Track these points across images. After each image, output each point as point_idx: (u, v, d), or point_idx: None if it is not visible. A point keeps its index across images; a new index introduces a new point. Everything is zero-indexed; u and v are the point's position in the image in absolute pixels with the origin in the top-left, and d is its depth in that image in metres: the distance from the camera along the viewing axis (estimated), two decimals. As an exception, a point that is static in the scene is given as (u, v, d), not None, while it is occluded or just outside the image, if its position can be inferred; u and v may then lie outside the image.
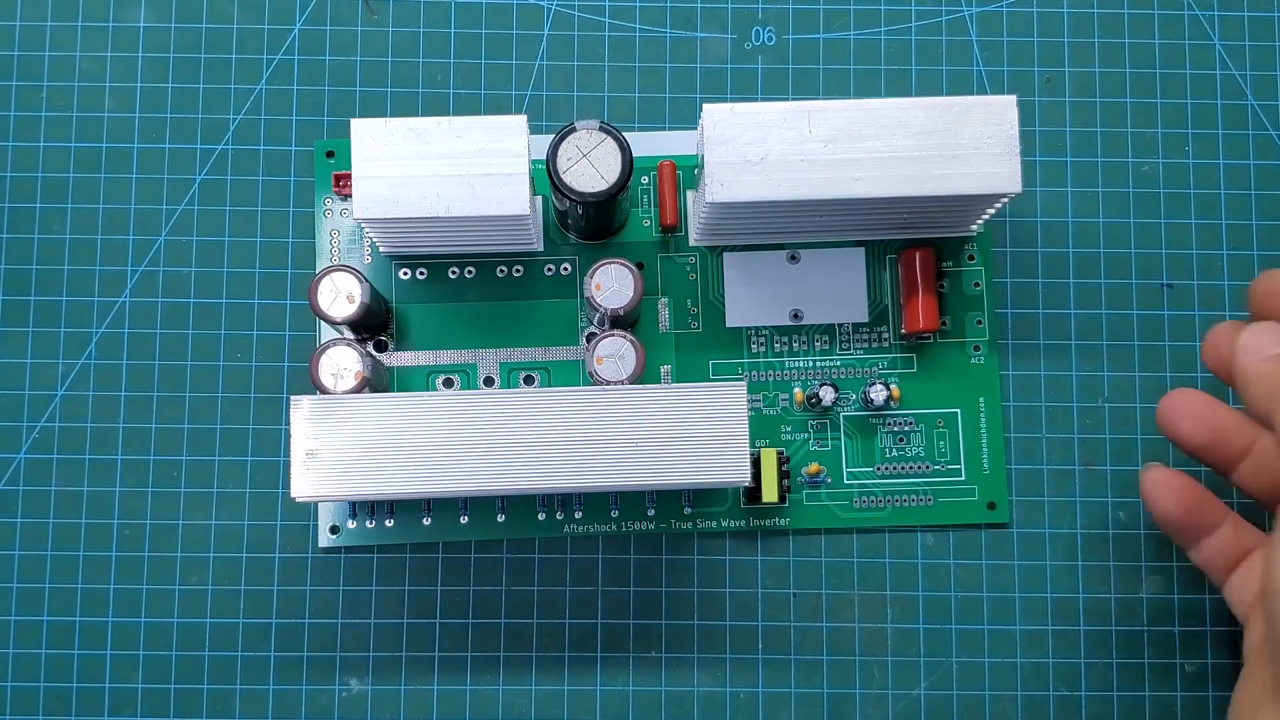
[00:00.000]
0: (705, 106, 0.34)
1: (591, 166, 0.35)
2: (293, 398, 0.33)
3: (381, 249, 0.38)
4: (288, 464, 0.39)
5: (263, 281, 0.40)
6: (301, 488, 0.33)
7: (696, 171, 0.38)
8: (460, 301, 0.39)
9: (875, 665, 0.39)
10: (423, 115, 0.41)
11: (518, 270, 0.39)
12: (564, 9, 0.41)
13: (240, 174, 0.40)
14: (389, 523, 0.39)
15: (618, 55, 0.41)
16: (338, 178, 0.39)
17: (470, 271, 0.39)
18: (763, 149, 0.34)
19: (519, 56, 0.41)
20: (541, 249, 0.39)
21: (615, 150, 0.35)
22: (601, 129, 0.35)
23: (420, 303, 0.39)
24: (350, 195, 0.39)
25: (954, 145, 0.34)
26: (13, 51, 0.41)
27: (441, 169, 0.34)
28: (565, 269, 0.39)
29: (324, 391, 0.34)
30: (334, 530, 0.39)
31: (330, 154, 0.40)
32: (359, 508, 0.39)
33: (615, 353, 0.35)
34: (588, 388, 0.33)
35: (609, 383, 0.34)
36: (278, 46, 0.41)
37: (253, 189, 0.40)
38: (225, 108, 0.40)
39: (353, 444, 0.33)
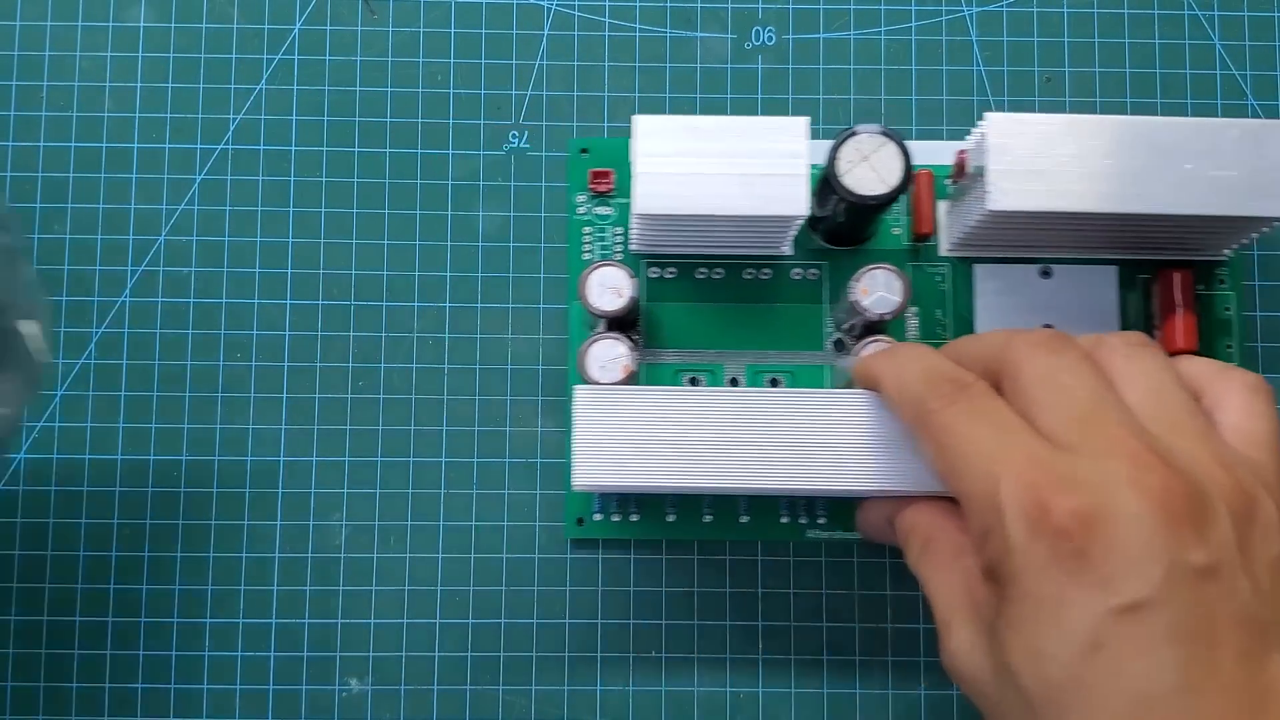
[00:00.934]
0: (988, 115, 0.34)
1: (872, 170, 0.35)
2: (576, 387, 0.34)
3: (633, 246, 0.39)
4: (287, 464, 0.39)
5: (263, 281, 0.40)
6: (583, 478, 0.33)
7: (949, 181, 0.39)
8: (707, 302, 0.39)
9: (875, 665, 0.39)
10: (421, 116, 0.41)
11: (765, 273, 0.39)
12: (564, 9, 0.41)
13: (240, 174, 0.40)
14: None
15: (618, 55, 0.41)
16: (594, 174, 0.40)
17: (719, 273, 0.39)
18: (1046, 159, 0.34)
19: (519, 56, 0.41)
20: (790, 253, 0.39)
21: (897, 155, 0.35)
22: (883, 133, 0.35)
23: (667, 301, 0.39)
24: (605, 193, 0.40)
25: (1249, 168, 0.34)
26: (13, 51, 0.41)
27: (722, 168, 0.34)
28: (813, 274, 0.39)
29: (592, 382, 0.35)
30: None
31: (584, 151, 0.40)
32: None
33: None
34: (871, 393, 0.34)
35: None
36: (277, 47, 0.41)
37: (253, 189, 0.40)
38: (225, 108, 0.40)
39: (624, 435, 0.33)
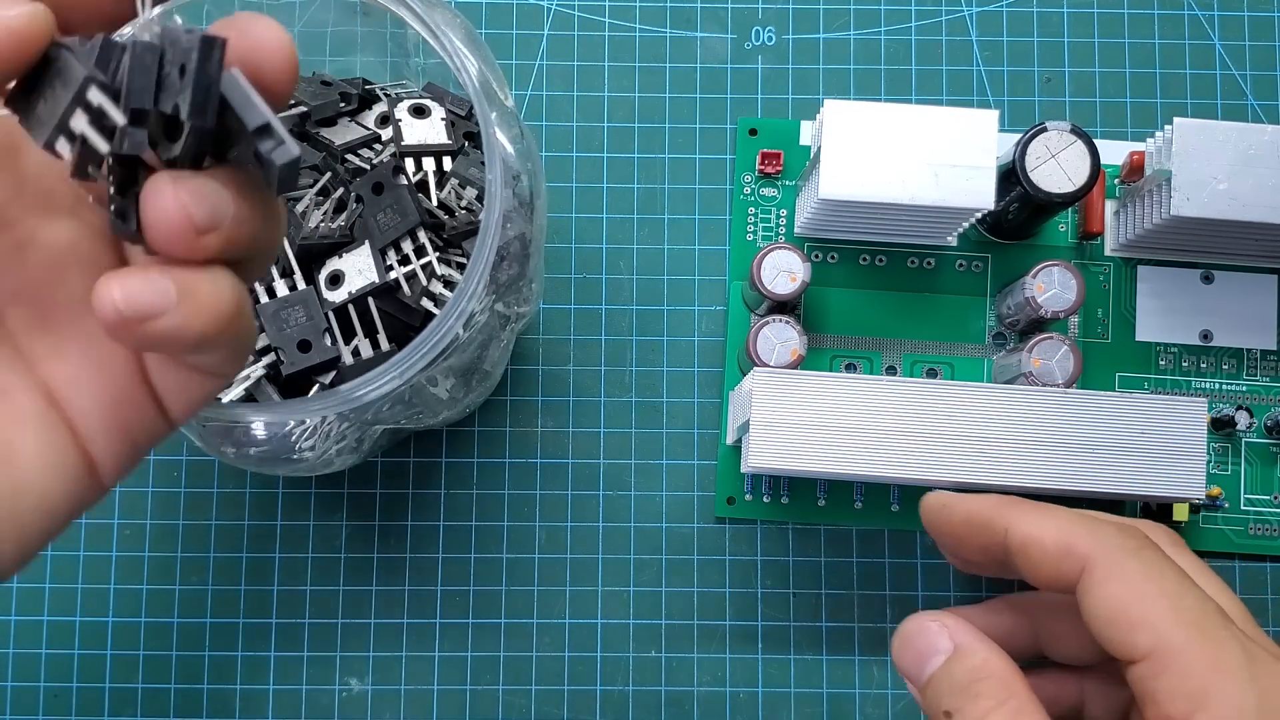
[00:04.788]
0: (1177, 120, 0.35)
1: (1059, 167, 0.35)
2: (754, 370, 0.34)
3: (799, 230, 0.39)
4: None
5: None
6: (757, 459, 0.34)
7: (1118, 181, 0.39)
8: (869, 289, 0.39)
9: (875, 665, 0.39)
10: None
11: (929, 263, 0.39)
12: (564, 9, 0.41)
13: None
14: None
15: (618, 55, 0.41)
16: (764, 155, 0.40)
17: (882, 260, 0.39)
18: (1232, 169, 0.34)
19: (519, 56, 0.41)
20: (955, 244, 0.39)
21: (1085, 153, 0.35)
22: (1073, 131, 0.35)
23: (829, 286, 0.39)
24: (772, 174, 0.40)
25: None
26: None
27: (909, 156, 0.34)
28: (977, 266, 0.39)
29: (761, 365, 0.35)
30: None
31: (753, 131, 0.40)
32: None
33: (1053, 356, 0.36)
34: (1051, 390, 0.34)
35: (1045, 385, 0.35)
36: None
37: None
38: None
39: (801, 420, 0.34)
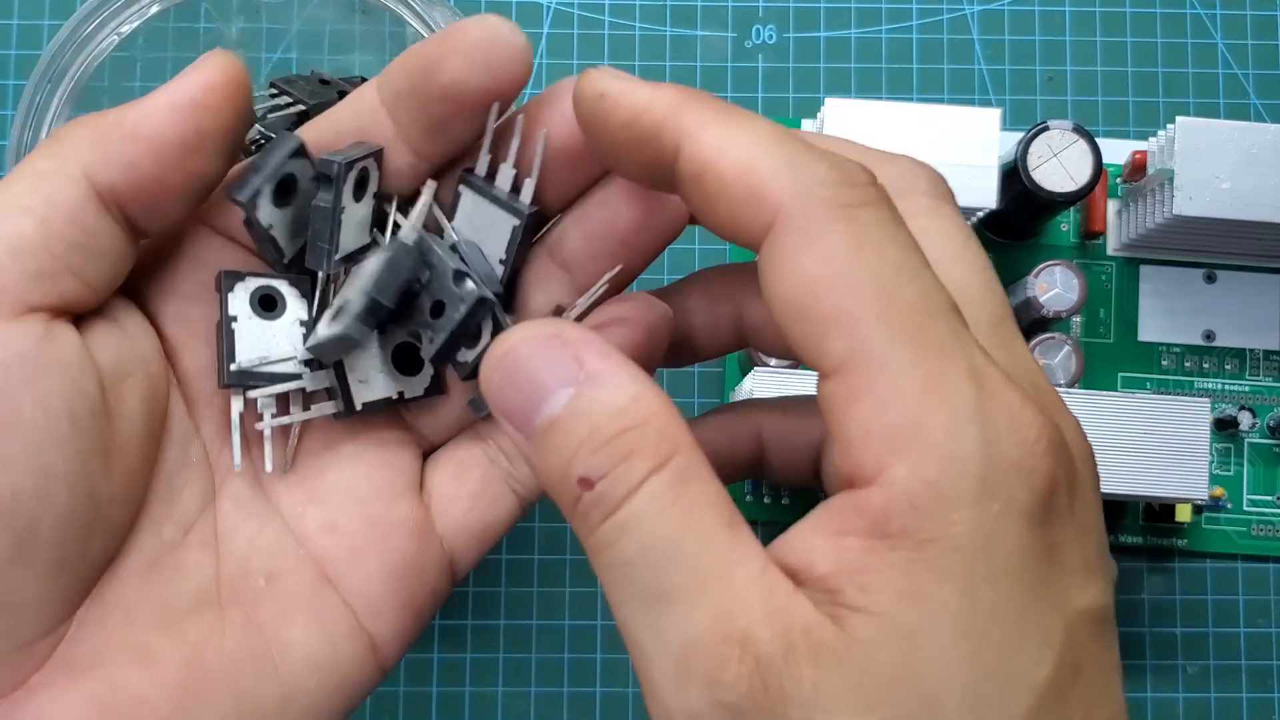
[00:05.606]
0: (1179, 119, 0.34)
1: (1061, 166, 0.35)
2: (755, 370, 0.34)
3: None
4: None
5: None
6: None
7: (1121, 180, 0.39)
8: None
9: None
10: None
11: None
12: (563, 7, 0.41)
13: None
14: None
15: (618, 53, 0.41)
16: None
17: None
18: (1234, 169, 0.34)
19: (518, 55, 0.41)
20: None
21: (1087, 152, 0.35)
22: (1075, 129, 0.35)
23: None
24: None
25: None
26: (10, 51, 0.41)
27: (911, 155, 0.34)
28: None
29: (762, 365, 0.35)
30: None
31: None
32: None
33: (1055, 356, 0.36)
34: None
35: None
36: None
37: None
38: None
39: None
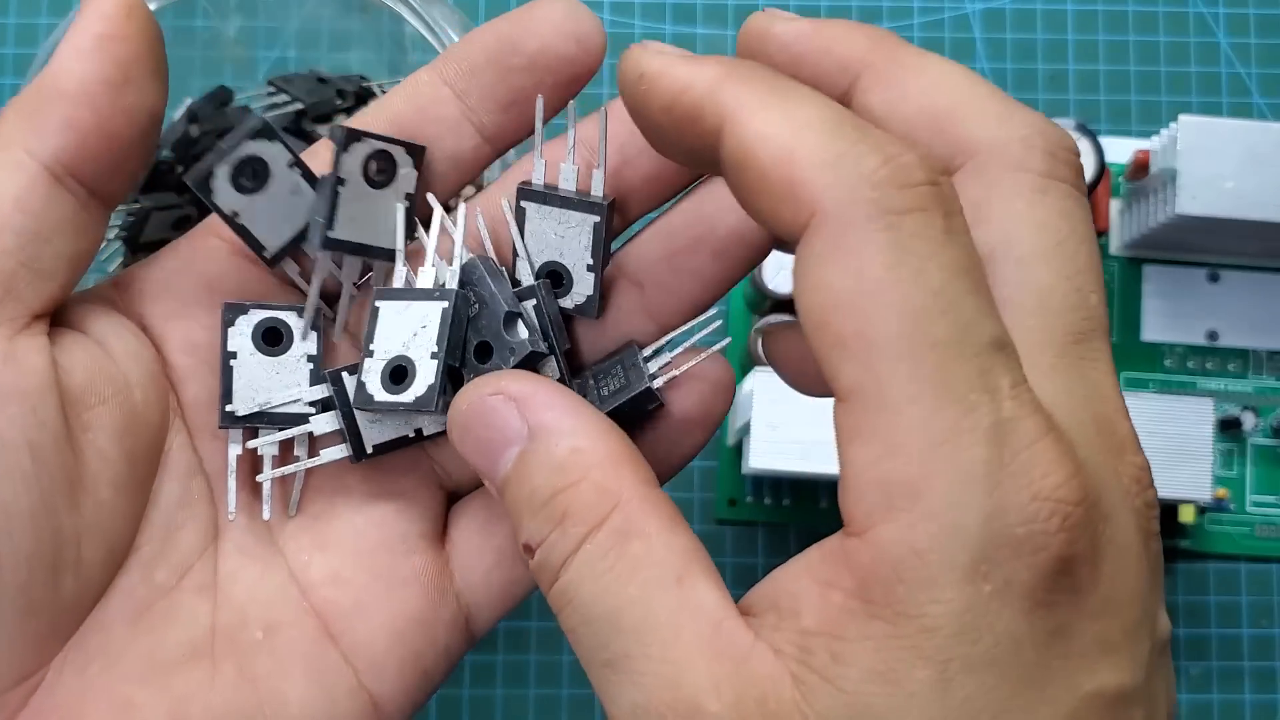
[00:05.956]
0: (1182, 118, 0.34)
1: None
2: (755, 371, 0.34)
3: None
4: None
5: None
6: (758, 460, 0.34)
7: (1124, 179, 0.39)
8: None
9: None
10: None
11: None
12: (563, 6, 0.41)
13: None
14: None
15: (618, 52, 0.41)
16: None
17: None
18: (1238, 168, 0.34)
19: (518, 53, 0.41)
20: None
21: (1090, 151, 0.35)
22: (1077, 128, 0.35)
23: None
24: None
25: None
26: (7, 49, 0.40)
27: None
28: None
29: (763, 365, 0.35)
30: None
31: None
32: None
33: None
34: None
35: None
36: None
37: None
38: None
39: (802, 420, 0.34)
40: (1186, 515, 0.37)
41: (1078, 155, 0.18)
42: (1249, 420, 0.38)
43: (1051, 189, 0.17)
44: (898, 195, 0.15)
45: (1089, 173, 0.35)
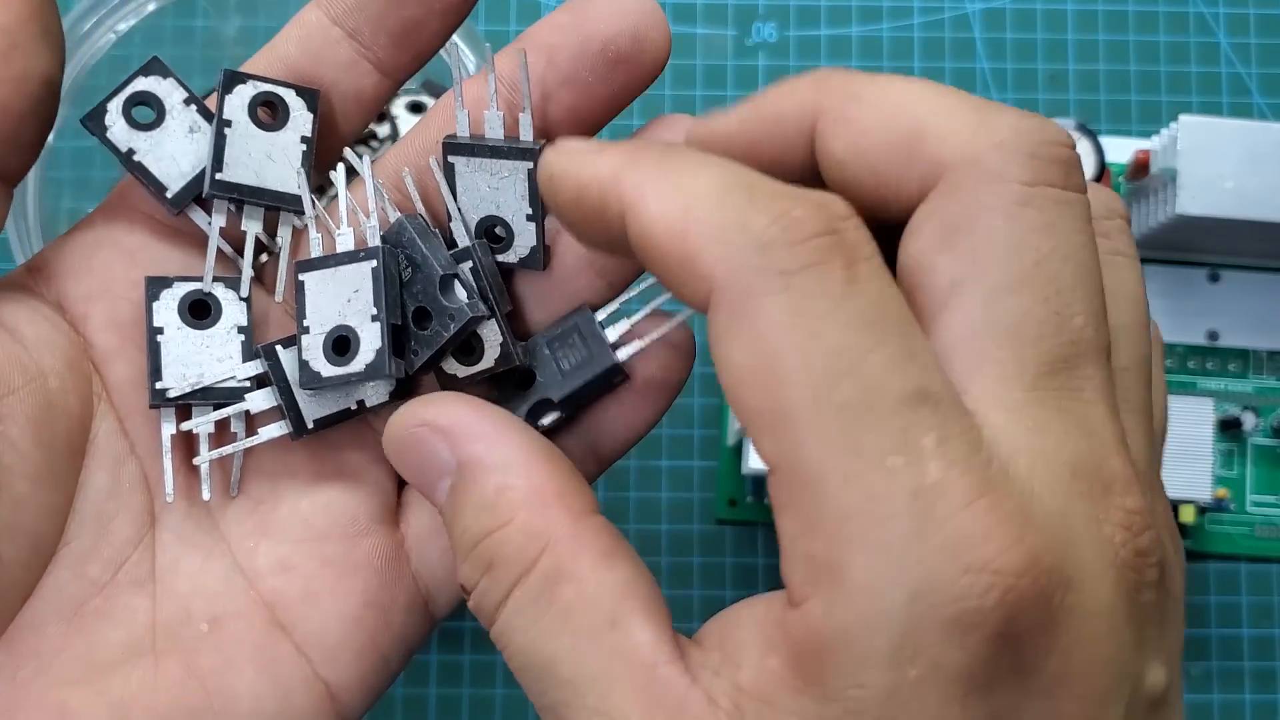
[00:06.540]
0: (1182, 118, 0.34)
1: None
2: None
3: None
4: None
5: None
6: (760, 460, 0.33)
7: (1124, 179, 0.39)
8: None
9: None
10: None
11: None
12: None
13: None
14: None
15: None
16: None
17: None
18: (1238, 168, 0.34)
19: (518, 53, 0.41)
20: None
21: (1090, 151, 0.35)
22: (1077, 128, 0.35)
23: None
24: None
25: None
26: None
27: None
28: None
29: None
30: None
31: None
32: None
33: None
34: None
35: None
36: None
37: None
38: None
39: None
40: (1187, 515, 0.37)
41: (1069, 146, 0.17)
42: (1249, 420, 0.38)
43: (1034, 199, 0.16)
44: (788, 254, 0.15)
45: (1089, 173, 0.35)
